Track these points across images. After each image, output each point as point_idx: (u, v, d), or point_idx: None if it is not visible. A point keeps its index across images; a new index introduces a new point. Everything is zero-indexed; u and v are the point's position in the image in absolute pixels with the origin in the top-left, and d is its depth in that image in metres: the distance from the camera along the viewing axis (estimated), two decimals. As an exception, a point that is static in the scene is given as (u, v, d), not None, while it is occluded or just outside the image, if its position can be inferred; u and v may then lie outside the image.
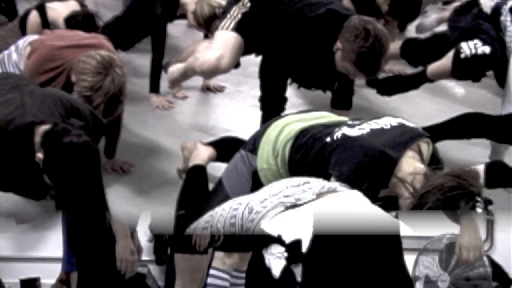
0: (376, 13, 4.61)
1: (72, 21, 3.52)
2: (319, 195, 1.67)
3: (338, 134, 2.41)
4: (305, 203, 1.64)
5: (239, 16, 3.55)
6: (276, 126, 2.67)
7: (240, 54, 3.64)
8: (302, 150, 2.52)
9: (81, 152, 2.22)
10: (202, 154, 3.05)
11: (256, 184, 2.63)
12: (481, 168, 3.03)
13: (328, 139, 2.43)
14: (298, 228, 1.53)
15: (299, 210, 1.63)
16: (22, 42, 3.24)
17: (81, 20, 3.53)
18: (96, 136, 2.47)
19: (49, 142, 2.25)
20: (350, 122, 2.50)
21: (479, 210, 1.75)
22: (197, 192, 2.58)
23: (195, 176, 2.91)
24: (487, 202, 1.77)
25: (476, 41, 3.44)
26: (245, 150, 2.75)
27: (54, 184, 2.31)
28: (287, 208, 1.64)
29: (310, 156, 2.48)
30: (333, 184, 1.75)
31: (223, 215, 1.75)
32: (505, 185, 3.04)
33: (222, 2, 3.94)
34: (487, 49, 3.40)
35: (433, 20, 4.90)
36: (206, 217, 1.87)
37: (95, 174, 2.31)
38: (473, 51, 3.41)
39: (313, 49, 3.34)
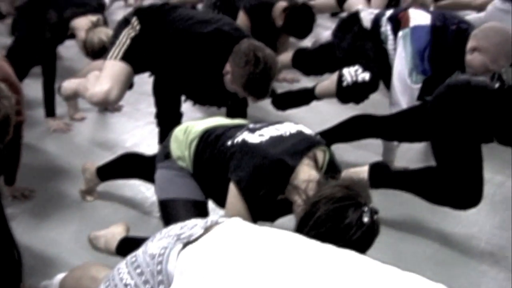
0: (271, 29, 4.77)
1: None
2: (206, 229, 1.71)
3: (238, 139, 2.44)
4: (198, 238, 1.67)
5: (128, 42, 3.59)
6: (180, 129, 2.70)
7: (129, 83, 3.73)
8: (207, 150, 2.55)
9: None
10: (116, 231, 2.90)
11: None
12: (365, 170, 3.21)
13: (229, 143, 2.47)
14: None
15: (197, 246, 1.66)
16: None
17: None
18: None
19: None
20: (251, 126, 2.54)
21: (365, 219, 1.84)
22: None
23: (127, 245, 2.73)
24: (374, 212, 1.87)
25: (357, 67, 3.65)
26: (160, 162, 2.74)
27: None
28: (185, 245, 1.67)
29: (212, 157, 2.52)
30: (214, 217, 1.79)
31: (123, 272, 1.74)
32: (387, 186, 3.22)
33: None
34: (366, 76, 3.61)
35: (327, 36, 5.06)
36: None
37: None
38: (354, 79, 3.62)
39: (202, 67, 3.39)
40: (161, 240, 1.72)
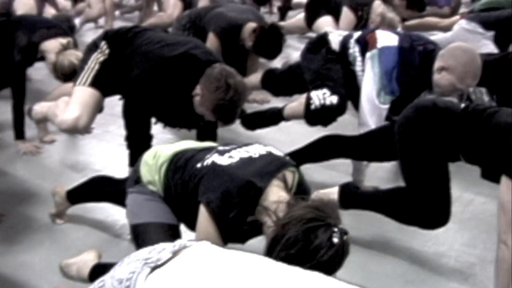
0: (240, 50, 4.80)
1: None
2: (175, 253, 1.70)
3: (208, 161, 2.44)
4: (165, 262, 1.67)
5: (97, 67, 3.59)
6: (150, 154, 2.69)
7: (98, 108, 3.73)
8: (177, 174, 2.55)
9: None
10: (88, 258, 2.85)
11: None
12: (335, 191, 3.24)
13: (198, 165, 2.46)
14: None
15: (165, 270, 1.66)
16: None
17: None
18: None
19: None
20: (221, 148, 2.54)
21: (335, 240, 1.86)
22: None
23: (100, 272, 2.73)
24: (343, 233, 1.89)
25: (325, 90, 3.67)
26: (130, 187, 2.72)
27: None
28: (152, 269, 1.68)
29: (183, 180, 2.51)
30: (182, 241, 1.79)
31: None
32: (357, 206, 3.24)
33: None
34: (334, 99, 3.64)
35: (297, 57, 5.11)
36: None
37: None
38: (322, 102, 3.65)
39: (171, 90, 3.39)
40: (129, 265, 1.71)
